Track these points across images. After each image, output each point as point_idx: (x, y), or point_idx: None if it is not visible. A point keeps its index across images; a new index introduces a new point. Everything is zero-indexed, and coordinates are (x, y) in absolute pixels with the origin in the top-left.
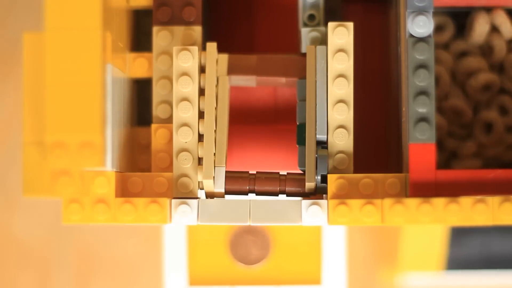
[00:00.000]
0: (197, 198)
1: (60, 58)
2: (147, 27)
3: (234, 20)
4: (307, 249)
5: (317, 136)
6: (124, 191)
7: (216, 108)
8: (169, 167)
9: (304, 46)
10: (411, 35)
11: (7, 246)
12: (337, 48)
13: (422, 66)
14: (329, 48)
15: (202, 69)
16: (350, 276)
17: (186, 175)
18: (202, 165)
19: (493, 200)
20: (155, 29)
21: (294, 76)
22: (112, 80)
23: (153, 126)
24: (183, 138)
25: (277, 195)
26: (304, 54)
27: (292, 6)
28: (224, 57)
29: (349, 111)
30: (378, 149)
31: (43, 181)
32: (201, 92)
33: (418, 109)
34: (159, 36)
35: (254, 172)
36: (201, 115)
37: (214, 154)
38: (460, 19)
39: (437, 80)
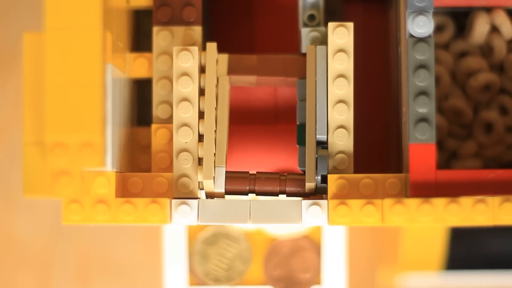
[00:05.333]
0: (197, 198)
1: (60, 58)
2: (147, 27)
3: (234, 20)
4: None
5: (317, 136)
6: (124, 191)
7: (216, 108)
8: (169, 167)
9: (304, 46)
10: (411, 35)
11: (7, 246)
12: (337, 48)
13: (422, 66)
14: (329, 48)
15: (202, 69)
16: (350, 276)
17: (186, 175)
18: (202, 165)
19: (493, 200)
20: (155, 29)
21: (294, 76)
22: (112, 80)
23: (153, 126)
24: (183, 138)
25: (277, 195)
26: (304, 54)
27: (292, 6)
28: (224, 57)
29: (349, 111)
30: (378, 149)
31: (43, 181)
32: (201, 92)
33: (418, 109)
34: (159, 36)
35: (254, 172)
36: (201, 115)
37: (214, 154)
38: (460, 19)
39: (437, 80)
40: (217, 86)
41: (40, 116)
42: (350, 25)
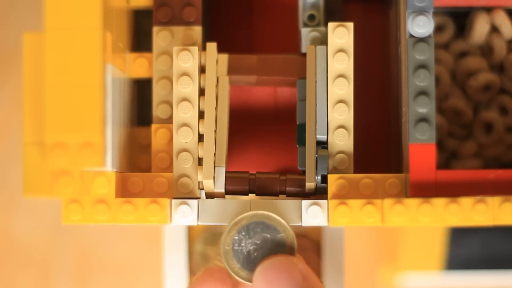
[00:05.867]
0: (197, 198)
1: (60, 58)
2: (147, 27)
3: (234, 20)
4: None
5: (317, 136)
6: (124, 191)
7: (216, 108)
8: (169, 167)
9: (304, 46)
10: (411, 35)
11: (7, 246)
12: (337, 48)
13: (422, 66)
14: (329, 48)
15: (202, 69)
16: (350, 276)
17: (186, 175)
18: (202, 165)
19: (493, 200)
20: (155, 29)
21: (294, 76)
22: (112, 80)
23: (153, 126)
24: (183, 138)
25: (277, 195)
26: (304, 54)
27: (292, 6)
28: (224, 57)
29: (349, 111)
30: (378, 149)
31: (43, 181)
32: (201, 92)
33: (418, 109)
34: (159, 36)
35: (254, 172)
36: (201, 115)
37: (214, 154)
38: (460, 19)
39: (437, 80)
40: (217, 86)
41: (40, 116)
42: (350, 25)
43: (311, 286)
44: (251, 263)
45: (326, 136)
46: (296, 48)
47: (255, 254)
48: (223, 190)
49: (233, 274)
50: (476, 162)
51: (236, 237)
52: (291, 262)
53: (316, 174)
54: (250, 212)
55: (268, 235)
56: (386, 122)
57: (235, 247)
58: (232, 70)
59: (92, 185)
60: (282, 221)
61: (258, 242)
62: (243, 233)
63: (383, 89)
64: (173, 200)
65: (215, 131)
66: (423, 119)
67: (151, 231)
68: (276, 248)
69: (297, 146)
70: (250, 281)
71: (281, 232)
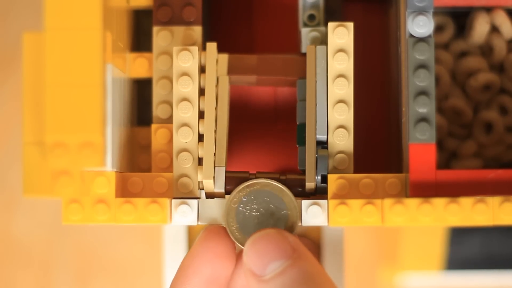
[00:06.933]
0: (197, 198)
1: (60, 58)
2: (147, 27)
3: (234, 20)
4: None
5: (317, 136)
6: (124, 191)
7: (216, 108)
8: (169, 167)
9: (304, 46)
10: (411, 35)
11: (7, 246)
12: (337, 48)
13: (422, 66)
14: (329, 48)
15: (202, 69)
16: (350, 276)
17: (186, 175)
18: (202, 165)
19: (493, 200)
20: (155, 29)
21: (294, 76)
22: (112, 80)
23: (153, 126)
24: (183, 138)
25: None
26: (304, 54)
27: (292, 6)
28: (224, 57)
29: (349, 111)
30: (378, 149)
31: (43, 181)
32: (201, 92)
33: (418, 109)
34: (159, 36)
35: (254, 172)
36: (201, 115)
37: (214, 154)
38: (460, 19)
39: (437, 80)
40: (217, 86)
41: (40, 116)
42: (350, 25)
43: (300, 257)
44: (248, 227)
45: (326, 136)
46: (296, 48)
47: (255, 220)
48: (223, 190)
49: (228, 232)
50: (476, 162)
51: (245, 199)
52: (280, 234)
53: (316, 174)
54: (266, 180)
55: (274, 208)
56: (386, 122)
57: (240, 208)
58: (232, 70)
59: (92, 185)
60: (293, 199)
61: (263, 210)
62: (252, 197)
63: (383, 89)
64: (173, 200)
65: (215, 131)
66: (423, 119)
67: (151, 231)
68: (277, 222)
69: (297, 146)
70: (242, 244)
71: (288, 210)
